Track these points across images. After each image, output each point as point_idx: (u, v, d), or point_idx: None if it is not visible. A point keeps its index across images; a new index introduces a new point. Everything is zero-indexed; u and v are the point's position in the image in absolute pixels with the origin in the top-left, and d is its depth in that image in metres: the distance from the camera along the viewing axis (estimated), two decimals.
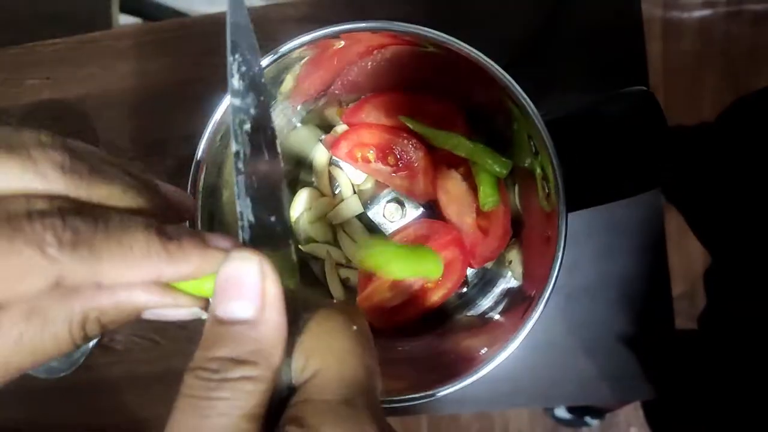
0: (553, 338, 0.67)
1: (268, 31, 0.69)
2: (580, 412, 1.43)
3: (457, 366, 0.42)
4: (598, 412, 1.42)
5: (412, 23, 0.66)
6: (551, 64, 0.66)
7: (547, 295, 0.40)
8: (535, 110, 0.38)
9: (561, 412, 1.45)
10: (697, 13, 1.42)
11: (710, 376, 0.80)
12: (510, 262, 0.52)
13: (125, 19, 1.08)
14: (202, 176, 0.41)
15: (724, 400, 0.75)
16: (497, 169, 0.48)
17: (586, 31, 0.66)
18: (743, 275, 0.75)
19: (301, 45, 0.39)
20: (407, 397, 0.41)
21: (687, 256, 1.37)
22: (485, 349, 0.42)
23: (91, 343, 0.69)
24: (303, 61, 0.43)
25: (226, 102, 0.40)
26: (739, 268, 0.77)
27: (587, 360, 0.67)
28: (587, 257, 0.66)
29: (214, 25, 0.70)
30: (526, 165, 0.46)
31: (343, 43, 0.42)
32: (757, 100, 0.76)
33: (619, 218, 0.66)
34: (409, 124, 0.50)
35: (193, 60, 0.70)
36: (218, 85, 0.69)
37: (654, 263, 0.66)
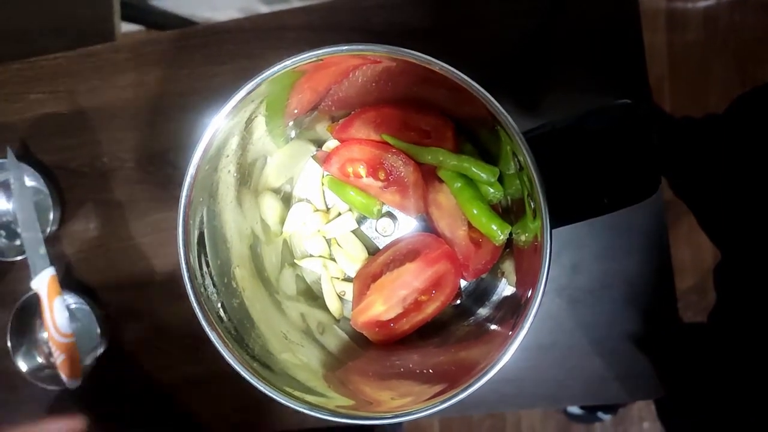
0: (559, 339, 0.67)
1: (269, 39, 0.70)
2: (592, 407, 1.42)
3: (457, 377, 0.42)
4: (611, 407, 1.42)
5: (408, 30, 0.67)
6: (549, 67, 0.66)
7: (534, 308, 0.40)
8: (516, 128, 0.38)
9: (573, 408, 1.45)
10: (702, 4, 1.40)
11: (720, 371, 0.79)
12: (503, 273, 0.52)
13: (128, 27, 1.09)
14: (191, 202, 0.42)
15: (733, 395, 0.75)
16: (485, 177, 0.48)
17: (583, 33, 0.66)
18: (753, 270, 0.75)
19: (284, 69, 0.40)
20: (405, 412, 0.41)
21: (697, 250, 1.36)
22: (484, 358, 0.43)
23: (99, 351, 0.70)
24: (291, 80, 0.43)
25: (214, 126, 0.41)
26: (749, 264, 0.76)
27: (593, 360, 0.67)
28: (590, 258, 0.66)
29: (211, 35, 0.71)
30: (511, 174, 0.46)
31: (322, 66, 0.42)
32: (765, 92, 0.76)
33: (620, 218, 0.66)
34: (391, 142, 0.51)
35: (190, 71, 0.71)
36: (214, 96, 0.70)
37: (657, 261, 0.66)
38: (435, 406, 0.41)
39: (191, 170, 0.41)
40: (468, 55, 0.65)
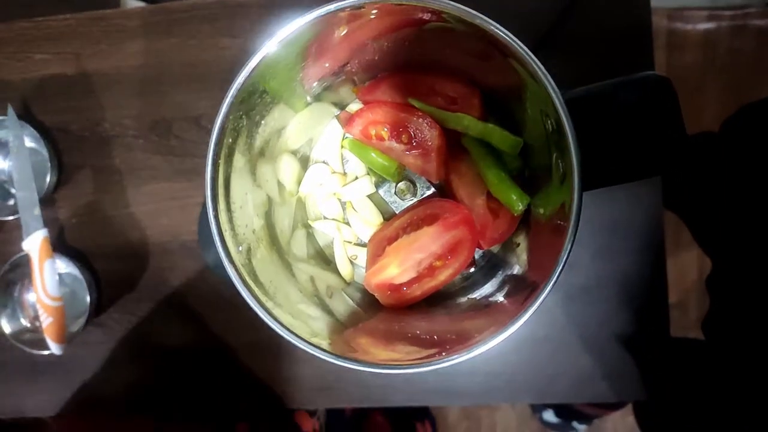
0: (550, 335, 0.67)
1: (282, 17, 0.70)
2: (567, 416, 1.42)
3: (456, 345, 0.42)
4: (586, 418, 1.42)
5: None
6: (558, 67, 0.67)
7: (555, 276, 0.40)
8: (554, 85, 0.39)
9: (549, 416, 1.45)
10: (702, 26, 1.43)
11: (706, 382, 0.80)
12: (518, 244, 0.52)
13: (133, 4, 1.09)
14: (222, 140, 0.41)
15: (720, 407, 0.76)
16: (509, 146, 0.49)
17: (594, 32, 0.67)
18: (746, 280, 0.76)
19: (322, 15, 0.39)
20: (404, 364, 0.41)
21: (681, 267, 1.38)
22: (484, 331, 0.43)
23: (86, 317, 0.69)
24: (321, 36, 0.43)
25: (249, 67, 0.40)
26: (742, 273, 0.77)
27: (582, 358, 0.67)
28: (587, 257, 0.67)
29: (222, 8, 0.71)
30: (538, 145, 0.47)
31: (364, 15, 0.42)
32: (762, 107, 0.77)
33: (619, 219, 0.67)
34: (417, 106, 0.51)
35: (199, 42, 0.71)
36: (223, 69, 0.70)
37: (652, 265, 0.67)
38: (428, 365, 0.41)
39: (228, 99, 0.40)
40: None
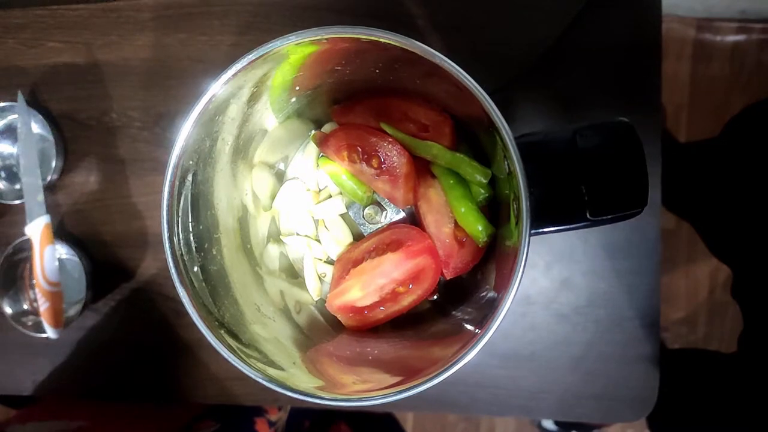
0: (538, 351, 0.67)
1: (290, 17, 0.70)
2: (566, 425, 1.42)
3: (424, 371, 0.42)
4: (585, 428, 1.41)
5: (431, 23, 0.66)
6: (565, 77, 0.66)
7: (503, 312, 0.40)
8: (507, 129, 0.38)
9: (548, 424, 1.44)
10: (731, 38, 1.38)
11: (712, 395, 0.79)
12: (483, 275, 0.52)
13: None
14: (180, 164, 0.42)
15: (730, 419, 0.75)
16: (477, 178, 0.48)
17: (604, 47, 0.65)
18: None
19: (287, 44, 0.40)
20: (369, 396, 0.41)
21: (693, 283, 1.35)
22: (450, 356, 0.43)
23: (84, 303, 0.71)
24: (294, 58, 0.43)
25: (211, 92, 0.41)
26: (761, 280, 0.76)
27: (570, 377, 0.67)
28: (581, 275, 0.66)
29: (233, 5, 0.71)
30: (502, 179, 0.47)
31: (335, 43, 0.42)
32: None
33: (617, 239, 0.66)
34: (389, 131, 0.51)
35: (209, 38, 0.71)
36: (229, 66, 0.70)
37: (647, 287, 0.66)
38: (396, 394, 0.41)
39: (184, 133, 0.41)
40: (486, 55, 0.65)
